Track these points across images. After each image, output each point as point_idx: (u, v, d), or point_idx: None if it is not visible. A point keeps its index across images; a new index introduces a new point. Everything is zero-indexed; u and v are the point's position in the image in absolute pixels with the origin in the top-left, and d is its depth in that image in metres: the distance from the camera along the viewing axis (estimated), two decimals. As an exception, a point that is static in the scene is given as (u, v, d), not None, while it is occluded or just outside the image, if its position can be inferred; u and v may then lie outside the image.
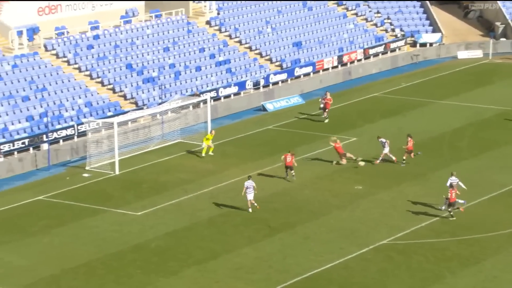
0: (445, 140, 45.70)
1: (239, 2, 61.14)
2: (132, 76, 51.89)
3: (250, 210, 36.62)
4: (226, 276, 31.30)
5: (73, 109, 47.45)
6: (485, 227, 34.46)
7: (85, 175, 42.03)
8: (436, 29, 65.27)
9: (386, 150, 41.62)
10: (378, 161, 41.49)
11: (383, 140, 41.87)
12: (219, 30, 59.20)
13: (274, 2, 62.20)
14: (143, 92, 50.88)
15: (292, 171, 39.56)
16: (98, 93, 49.72)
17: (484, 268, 31.16)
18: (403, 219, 35.69)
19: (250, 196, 36.47)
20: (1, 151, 42.51)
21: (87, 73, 51.33)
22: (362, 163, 40.06)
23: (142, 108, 48.84)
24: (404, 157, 41.05)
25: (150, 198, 38.76)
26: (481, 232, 34.09)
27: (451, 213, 35.24)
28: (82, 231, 35.42)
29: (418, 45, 64.18)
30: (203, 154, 43.38)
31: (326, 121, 48.84)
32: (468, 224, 34.94)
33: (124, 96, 50.54)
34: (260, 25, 60.51)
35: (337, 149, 41.83)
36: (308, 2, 63.25)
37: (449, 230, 34.41)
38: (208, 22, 59.40)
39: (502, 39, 65.77)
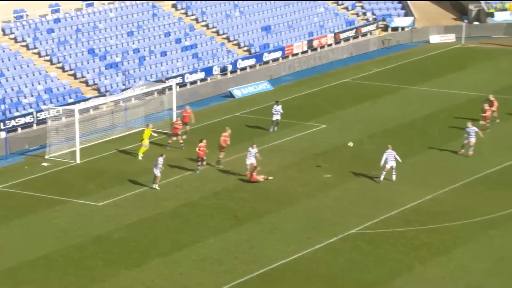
0: (416, 126, 45.98)
1: (205, -16, 60.97)
2: (94, 61, 51.55)
3: (156, 186, 37.93)
4: (191, 267, 31.33)
5: (32, 96, 47.05)
6: (455, 216, 34.80)
7: (45, 164, 41.73)
8: (408, 13, 65.58)
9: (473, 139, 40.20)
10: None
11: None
12: (186, 13, 58.97)
13: (242, -16, 62.12)
14: (105, 78, 50.58)
15: (203, 163, 39.63)
16: (58, 79, 49.33)
17: (454, 257, 31.48)
18: (372, 207, 35.92)
19: (158, 172, 37.90)
20: (-43, 140, 42.08)
21: (47, 58, 50.90)
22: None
23: (104, 95, 48.56)
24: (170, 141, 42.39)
25: (113, 188, 38.61)
26: (451, 220, 34.43)
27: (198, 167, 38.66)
28: (41, 222, 35.20)
29: (390, 29, 64.47)
30: (140, 157, 41.92)
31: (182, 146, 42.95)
32: (438, 212, 35.26)
33: (86, 82, 50.22)
34: (228, 8, 60.37)
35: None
36: (277, -15, 63.23)
37: (419, 219, 34.70)
38: (174, 6, 59.15)
39: (475, 23, 66.28)
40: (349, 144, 40.30)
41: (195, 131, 46.04)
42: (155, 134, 43.09)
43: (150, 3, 57.72)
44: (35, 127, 45.13)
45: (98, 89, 49.90)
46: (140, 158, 41.99)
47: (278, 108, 45.10)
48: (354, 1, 65.68)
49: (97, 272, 31.07)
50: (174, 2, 59.09)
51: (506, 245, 32.34)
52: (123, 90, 48.51)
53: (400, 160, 37.99)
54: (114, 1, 56.60)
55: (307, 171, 40.07)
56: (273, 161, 41.15)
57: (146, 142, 42.14)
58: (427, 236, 33.21)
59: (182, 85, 52.20)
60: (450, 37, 64.24)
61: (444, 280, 29.87)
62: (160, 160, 38.06)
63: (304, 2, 63.28)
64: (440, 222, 34.36)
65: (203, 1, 59.89)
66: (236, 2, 61.02)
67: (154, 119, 47.38)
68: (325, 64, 59.07)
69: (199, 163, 39.83)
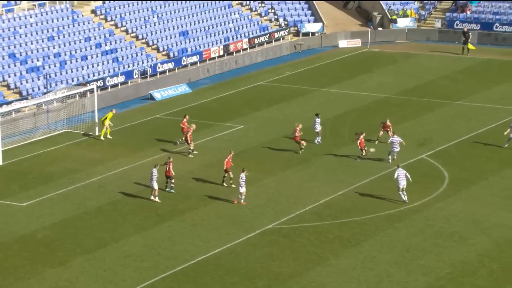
0: (327, 126, 46.64)
1: (124, -9, 60.46)
2: (15, 65, 50.42)
3: (157, 198, 36.10)
4: (115, 264, 31.02)
5: (-46, 99, 45.70)
6: (364, 210, 35.47)
7: (-32, 166, 40.61)
8: (317, 19, 66.51)
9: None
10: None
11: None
12: (105, 19, 58.29)
13: (160, -9, 61.84)
14: (27, 82, 49.56)
15: (172, 180, 37.10)
16: (-20, 83, 48.08)
17: (364, 249, 32.10)
18: (288, 203, 36.28)
19: (155, 184, 35.91)
20: None
21: (-31, 62, 49.54)
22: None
23: (26, 98, 47.57)
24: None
25: (36, 189, 37.87)
26: (361, 214, 35.09)
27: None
28: (-35, 224, 34.27)
29: (301, 34, 65.24)
30: (102, 137, 43.29)
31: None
32: (349, 207, 35.88)
33: (8, 86, 49.08)
34: (146, 14, 59.98)
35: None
36: (194, -8, 63.21)
37: (332, 214, 35.25)
38: (93, 11, 58.38)
39: (379, 28, 67.78)
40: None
41: (117, 132, 45.59)
42: (111, 123, 43.64)
43: (70, 9, 56.84)
44: (-43, 130, 43.84)
45: (20, 93, 48.83)
46: (102, 138, 43.02)
47: (318, 120, 43.23)
48: (267, 8, 66.19)
49: (22, 271, 30.45)
50: (94, 8, 58.37)
51: (411, 236, 33.16)
52: (44, 94, 47.62)
53: (410, 180, 35.68)
54: (34, 7, 55.46)
55: (226, 169, 40.15)
56: (193, 160, 41.12)
57: (106, 123, 43.01)
58: (339, 229, 33.76)
59: (103, 88, 51.59)
60: (357, 42, 65.47)
61: (355, 271, 30.44)
62: (154, 171, 35.88)
63: (219, 8, 63.42)
64: (351, 216, 34.98)
65: (122, 7, 59.33)
66: (154, 8, 60.67)
67: (76, 121, 46.71)
68: (240, 68, 59.37)
69: (172, 181, 37.06)
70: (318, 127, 43.28)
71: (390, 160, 40.29)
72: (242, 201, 35.85)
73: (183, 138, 42.06)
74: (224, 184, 37.67)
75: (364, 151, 40.59)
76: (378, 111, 48.45)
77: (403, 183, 35.61)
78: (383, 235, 33.21)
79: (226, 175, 37.64)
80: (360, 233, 33.35)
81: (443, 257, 31.35)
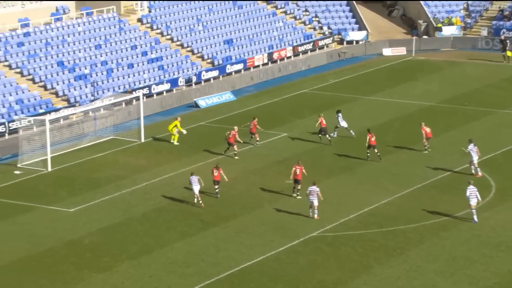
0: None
1: (170, 0, 60.82)
2: (64, 73, 51.10)
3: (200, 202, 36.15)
4: (160, 270, 31.12)
5: (3, 107, 46.44)
6: (409, 219, 35.07)
7: (17, 172, 41.16)
8: (362, 27, 66.15)
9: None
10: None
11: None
12: (151, 27, 58.77)
13: (204, 0, 62.07)
14: (75, 89, 50.17)
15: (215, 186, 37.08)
16: (29, 91, 48.79)
17: (409, 258, 31.71)
18: (332, 211, 36.03)
19: (196, 189, 36.04)
20: None
21: (18, 70, 50.31)
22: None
23: (74, 106, 48.15)
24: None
25: (83, 195, 38.24)
26: (406, 223, 34.69)
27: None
28: (13, 228, 34.70)
29: (345, 42, 64.95)
30: (176, 142, 44.44)
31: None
32: (394, 215, 35.51)
33: (56, 93, 49.75)
34: (192, 23, 60.33)
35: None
36: (238, 1, 63.30)
37: (376, 222, 34.91)
38: (139, 20, 58.92)
39: (424, 36, 67.13)
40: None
41: (163, 139, 45.84)
42: (184, 131, 44.79)
43: (117, 17, 57.44)
44: (7, 136, 44.56)
45: (67, 100, 49.46)
46: (176, 143, 44.50)
47: (340, 116, 45.20)
48: (311, 16, 66.08)
49: (69, 276, 30.73)
50: (140, 16, 58.92)
51: (457, 246, 32.67)
52: (92, 101, 48.15)
53: (480, 199, 34.23)
54: (81, 16, 56.24)
55: (270, 176, 40.09)
56: (237, 167, 41.13)
57: (175, 130, 44.55)
58: (383, 238, 33.42)
59: (149, 95, 51.97)
60: (401, 50, 64.93)
61: (400, 280, 30.08)
62: (195, 178, 35.99)
63: (263, 17, 63.49)
64: (395, 225, 34.60)
65: (167, 16, 59.79)
66: (199, 16, 61.00)
67: (122, 128, 47.11)
68: (284, 76, 59.28)
69: (216, 187, 37.18)
70: (344, 123, 44.84)
71: (476, 171, 38.95)
72: (315, 215, 34.98)
73: (255, 136, 43.58)
74: (293, 194, 37.28)
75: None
76: (423, 120, 47.81)
77: (473, 201, 34.25)
78: (428, 244, 32.78)
79: (296, 186, 37.34)
80: (405, 242, 32.96)
81: (490, 267, 30.81)
